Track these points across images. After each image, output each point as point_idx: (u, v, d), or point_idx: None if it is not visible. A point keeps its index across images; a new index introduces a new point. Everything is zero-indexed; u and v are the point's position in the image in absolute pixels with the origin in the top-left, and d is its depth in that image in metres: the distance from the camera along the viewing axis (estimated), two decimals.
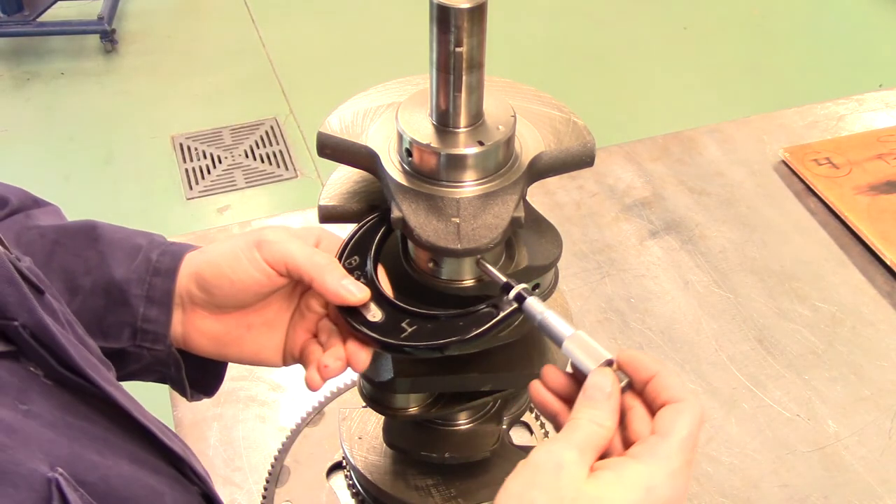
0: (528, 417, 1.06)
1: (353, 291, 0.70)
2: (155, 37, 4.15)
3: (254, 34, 4.15)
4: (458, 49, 0.63)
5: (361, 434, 0.95)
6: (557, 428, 0.66)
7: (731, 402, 1.18)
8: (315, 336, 0.77)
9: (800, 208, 1.48)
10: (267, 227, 0.76)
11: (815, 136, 1.63)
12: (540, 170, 0.71)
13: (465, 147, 0.67)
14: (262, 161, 3.42)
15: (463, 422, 0.89)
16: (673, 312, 1.31)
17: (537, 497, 0.56)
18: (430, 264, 0.73)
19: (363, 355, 0.73)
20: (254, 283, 0.73)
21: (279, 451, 1.08)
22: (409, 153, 0.68)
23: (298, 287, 0.78)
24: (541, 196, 1.49)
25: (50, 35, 4.04)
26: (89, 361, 0.61)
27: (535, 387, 0.67)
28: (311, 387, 0.74)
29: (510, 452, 0.93)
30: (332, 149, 0.73)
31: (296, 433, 1.10)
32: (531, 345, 0.81)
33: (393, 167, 0.70)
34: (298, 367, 0.78)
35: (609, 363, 0.63)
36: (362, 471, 0.92)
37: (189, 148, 3.48)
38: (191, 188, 3.29)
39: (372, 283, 0.72)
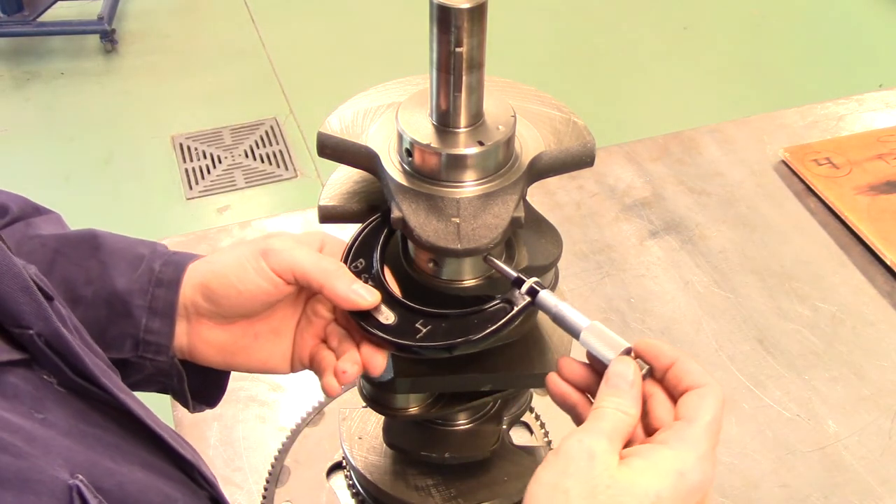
0: (528, 417, 1.06)
1: (364, 296, 0.70)
2: (155, 37, 4.15)
3: (254, 34, 4.15)
4: (458, 49, 0.63)
5: (361, 434, 0.95)
6: (576, 419, 0.67)
7: (731, 402, 1.18)
8: (324, 341, 0.76)
9: (800, 208, 1.48)
10: (271, 236, 0.75)
11: (815, 136, 1.63)
12: (540, 170, 0.71)
13: (466, 147, 0.67)
14: (262, 161, 3.42)
15: (463, 422, 0.89)
16: (673, 312, 1.31)
17: (571, 487, 0.57)
18: (431, 264, 0.73)
19: (379, 358, 0.73)
20: (261, 292, 0.72)
21: (279, 451, 1.08)
22: (410, 153, 0.68)
23: (303, 293, 0.77)
24: (541, 196, 1.49)
25: (50, 35, 4.04)
26: (101, 368, 0.61)
27: (553, 379, 0.68)
28: (329, 393, 0.74)
29: (510, 452, 0.93)
30: (332, 149, 0.73)
31: (296, 433, 1.10)
32: (531, 345, 0.81)
33: (393, 167, 0.70)
34: None
35: (628, 352, 0.64)
36: (362, 471, 0.92)
37: (189, 148, 3.48)
38: (191, 188, 3.29)
39: (380, 285, 0.72)
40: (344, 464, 1.04)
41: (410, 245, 0.74)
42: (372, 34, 4.08)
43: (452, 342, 0.69)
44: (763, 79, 3.80)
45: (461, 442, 0.89)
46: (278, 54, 4.00)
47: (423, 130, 0.68)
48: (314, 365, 0.76)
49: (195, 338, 0.75)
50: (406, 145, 0.68)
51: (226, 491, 1.06)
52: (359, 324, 0.71)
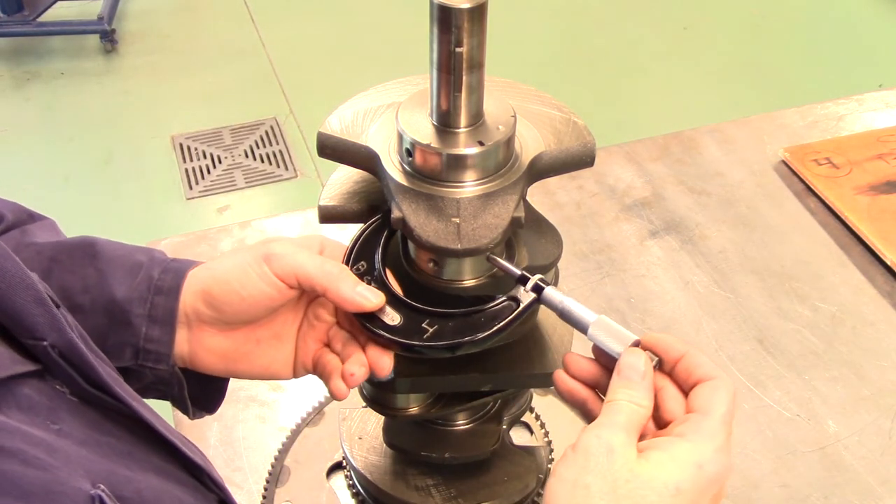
0: (528, 417, 1.06)
1: (370, 298, 0.70)
2: (155, 37, 4.15)
3: (254, 34, 4.15)
4: (458, 49, 0.63)
5: (361, 434, 0.95)
6: (586, 415, 0.67)
7: None
8: (327, 345, 0.76)
9: (800, 208, 1.48)
10: (270, 241, 0.75)
11: (815, 136, 1.63)
12: (540, 170, 0.71)
13: (466, 147, 0.67)
14: (262, 161, 3.42)
15: (463, 422, 0.89)
16: (673, 312, 1.31)
17: (592, 482, 0.57)
18: (431, 265, 0.73)
19: (386, 360, 0.72)
20: (264, 297, 0.72)
21: (279, 451, 1.08)
22: (410, 153, 0.68)
23: (305, 297, 0.77)
24: (541, 196, 1.49)
25: (50, 35, 4.04)
26: (112, 377, 0.61)
27: (561, 376, 0.68)
28: (338, 397, 0.74)
29: (510, 452, 0.93)
30: (332, 149, 0.73)
31: (296, 433, 1.10)
32: (532, 345, 0.81)
33: (393, 167, 0.70)
34: None
35: (636, 344, 0.64)
36: (362, 471, 0.92)
37: (189, 148, 3.48)
38: (191, 188, 3.29)
39: (383, 286, 0.72)
40: (344, 464, 1.04)
41: (411, 245, 0.74)
42: (372, 34, 4.08)
43: (460, 341, 0.69)
44: (763, 79, 3.80)
45: (461, 442, 0.89)
46: (278, 54, 4.00)
47: (423, 130, 0.68)
48: (319, 369, 0.76)
49: (196, 345, 0.75)
50: (406, 145, 0.68)
51: None
52: (364, 326, 0.71)
